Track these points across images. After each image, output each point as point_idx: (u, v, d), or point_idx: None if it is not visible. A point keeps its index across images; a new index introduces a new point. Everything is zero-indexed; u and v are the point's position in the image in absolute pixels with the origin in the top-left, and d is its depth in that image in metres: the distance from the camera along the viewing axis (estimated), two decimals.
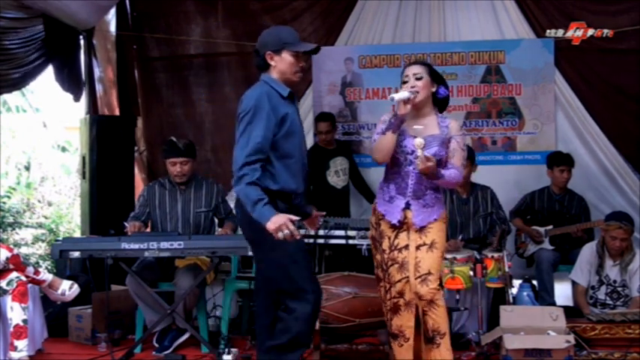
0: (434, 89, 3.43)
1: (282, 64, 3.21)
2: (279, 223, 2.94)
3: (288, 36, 3.24)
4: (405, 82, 3.40)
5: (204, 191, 4.62)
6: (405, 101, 3.25)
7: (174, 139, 4.64)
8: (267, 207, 2.99)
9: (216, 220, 4.71)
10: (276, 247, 3.05)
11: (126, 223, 4.40)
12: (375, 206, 3.50)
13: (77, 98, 5.83)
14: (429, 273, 3.31)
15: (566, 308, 4.20)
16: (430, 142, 3.33)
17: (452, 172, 3.36)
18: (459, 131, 3.44)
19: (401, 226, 3.39)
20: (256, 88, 3.18)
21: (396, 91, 3.36)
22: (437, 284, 3.33)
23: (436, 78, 3.45)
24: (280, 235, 2.94)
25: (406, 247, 3.37)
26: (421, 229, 3.37)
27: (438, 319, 3.32)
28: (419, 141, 3.23)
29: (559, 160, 5.26)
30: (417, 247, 3.35)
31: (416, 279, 3.31)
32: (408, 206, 3.38)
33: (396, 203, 3.40)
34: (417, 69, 3.42)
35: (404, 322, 3.38)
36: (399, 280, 3.36)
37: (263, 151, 3.06)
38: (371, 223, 3.53)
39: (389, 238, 3.41)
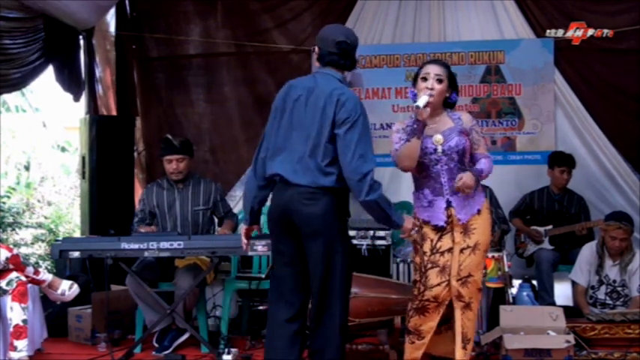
0: (448, 94, 3.41)
1: None
2: (411, 223, 3.22)
3: None
4: (424, 80, 3.35)
5: (202, 189, 4.62)
6: (425, 105, 3.24)
7: (169, 136, 4.64)
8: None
9: (216, 220, 4.71)
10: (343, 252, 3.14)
11: (140, 229, 4.41)
12: (415, 214, 3.47)
13: (77, 98, 5.82)
14: (470, 275, 3.33)
15: (566, 308, 4.20)
16: (448, 135, 3.35)
17: (485, 163, 3.39)
18: (472, 121, 3.45)
19: (445, 228, 3.37)
20: (347, 89, 3.21)
21: (417, 95, 3.33)
22: (477, 285, 3.36)
23: (452, 84, 3.43)
24: (413, 233, 3.24)
25: (449, 250, 3.35)
26: (466, 229, 3.35)
27: (468, 323, 3.35)
28: (437, 138, 3.30)
29: (560, 161, 5.26)
30: (461, 251, 3.34)
31: (457, 281, 3.32)
32: (449, 204, 3.36)
33: (437, 205, 3.38)
34: (439, 70, 3.37)
35: (425, 321, 3.35)
36: (438, 284, 3.32)
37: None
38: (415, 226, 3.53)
39: (431, 241, 3.39)
